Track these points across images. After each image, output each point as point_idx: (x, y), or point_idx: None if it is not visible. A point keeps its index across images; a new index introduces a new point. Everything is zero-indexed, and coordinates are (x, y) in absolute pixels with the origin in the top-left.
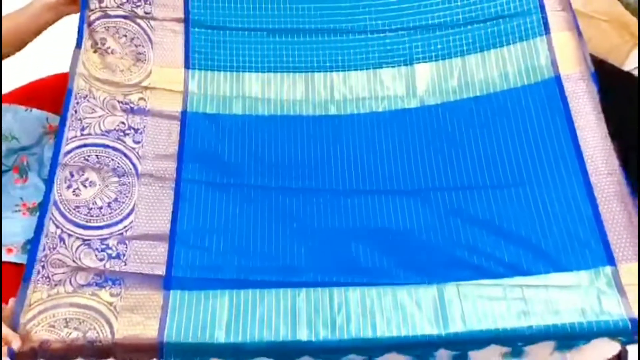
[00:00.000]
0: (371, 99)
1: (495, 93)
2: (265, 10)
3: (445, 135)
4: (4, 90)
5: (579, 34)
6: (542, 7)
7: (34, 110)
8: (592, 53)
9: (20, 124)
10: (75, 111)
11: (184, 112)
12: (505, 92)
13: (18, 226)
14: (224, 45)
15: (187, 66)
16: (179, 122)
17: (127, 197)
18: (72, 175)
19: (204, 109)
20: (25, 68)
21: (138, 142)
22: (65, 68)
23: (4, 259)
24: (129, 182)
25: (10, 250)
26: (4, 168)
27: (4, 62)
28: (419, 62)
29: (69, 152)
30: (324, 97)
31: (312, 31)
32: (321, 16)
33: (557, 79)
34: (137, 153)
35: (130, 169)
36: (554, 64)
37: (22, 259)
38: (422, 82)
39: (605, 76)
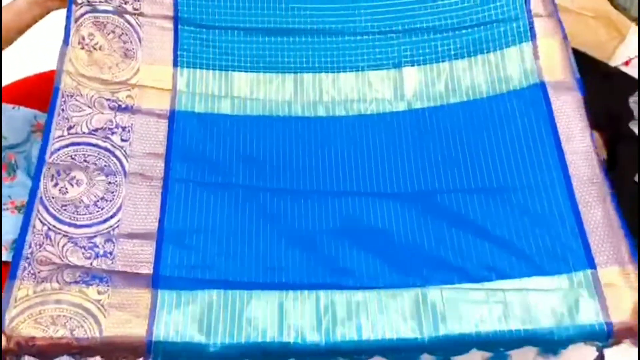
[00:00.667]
0: (359, 101)
1: (482, 99)
2: (254, 9)
3: (432, 139)
4: None
5: (565, 39)
6: (529, 13)
7: (22, 108)
8: (580, 49)
9: (8, 122)
10: (63, 109)
11: (172, 111)
12: (491, 98)
13: (6, 224)
14: (212, 44)
15: (175, 64)
16: (167, 121)
17: (114, 195)
18: (58, 174)
19: (192, 108)
20: (13, 65)
21: (126, 141)
22: (53, 65)
23: None
24: (117, 181)
25: None
26: None
27: None
28: (407, 66)
29: (55, 150)
30: (313, 98)
31: (302, 31)
32: (311, 17)
33: (542, 85)
34: (125, 151)
35: (118, 168)
36: (539, 70)
37: (11, 257)
38: (410, 86)
39: (594, 72)
